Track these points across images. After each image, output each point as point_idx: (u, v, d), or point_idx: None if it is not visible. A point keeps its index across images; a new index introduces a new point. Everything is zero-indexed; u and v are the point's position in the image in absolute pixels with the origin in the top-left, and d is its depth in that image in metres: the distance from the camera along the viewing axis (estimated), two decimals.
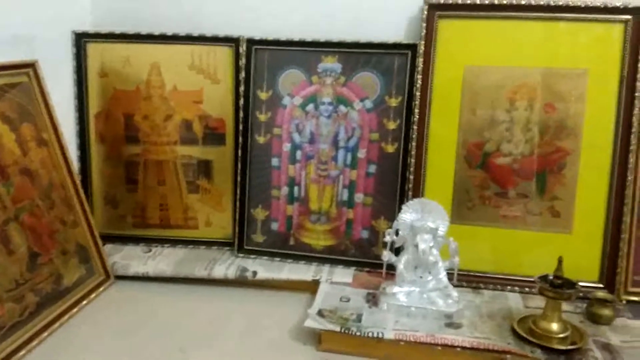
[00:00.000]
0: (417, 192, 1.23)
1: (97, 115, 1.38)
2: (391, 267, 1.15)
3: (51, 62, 1.21)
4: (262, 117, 1.32)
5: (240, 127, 1.31)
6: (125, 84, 1.36)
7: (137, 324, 1.11)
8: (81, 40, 1.35)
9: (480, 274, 1.21)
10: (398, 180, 1.26)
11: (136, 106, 1.36)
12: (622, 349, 0.98)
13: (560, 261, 0.99)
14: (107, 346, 1.04)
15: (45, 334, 1.05)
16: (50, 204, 1.14)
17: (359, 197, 1.30)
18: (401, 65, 1.24)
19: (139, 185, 1.39)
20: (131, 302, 1.20)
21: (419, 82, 1.21)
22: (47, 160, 1.16)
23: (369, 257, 1.28)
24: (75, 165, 1.34)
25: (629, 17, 1.13)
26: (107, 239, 1.37)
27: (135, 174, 1.39)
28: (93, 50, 1.36)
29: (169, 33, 1.33)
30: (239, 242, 1.34)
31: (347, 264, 1.29)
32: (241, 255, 1.33)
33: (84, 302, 1.17)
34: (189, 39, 1.32)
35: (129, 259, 1.32)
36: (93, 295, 1.20)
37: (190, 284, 1.26)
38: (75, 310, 1.13)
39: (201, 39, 1.32)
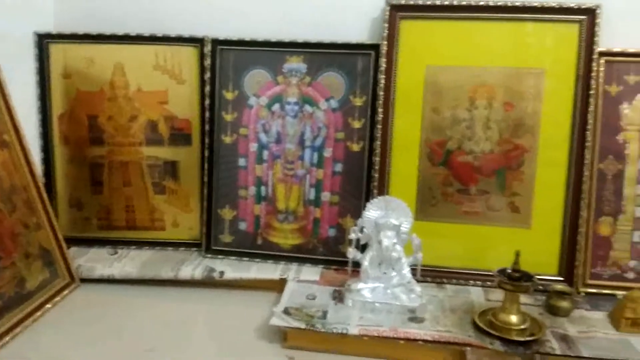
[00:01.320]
0: (382, 190, 1.25)
1: (60, 117, 1.36)
2: (357, 264, 1.17)
3: (13, 63, 1.19)
4: (228, 117, 1.32)
5: (207, 128, 1.31)
6: (89, 84, 1.35)
7: (102, 326, 1.11)
8: (43, 41, 1.34)
9: (444, 269, 1.24)
10: (364, 179, 1.28)
11: (100, 107, 1.35)
12: (579, 339, 1.01)
13: (517, 255, 1.02)
14: (72, 350, 1.03)
15: (8, 337, 1.03)
16: (12, 207, 1.13)
17: (325, 195, 1.31)
18: (365, 65, 1.26)
19: (104, 187, 1.38)
20: (96, 305, 1.19)
21: (382, 82, 1.23)
22: (8, 163, 1.15)
23: (336, 255, 1.29)
24: (38, 167, 1.33)
25: (583, 17, 1.17)
26: (73, 241, 1.36)
27: (100, 176, 1.38)
28: (55, 51, 1.34)
29: (133, 33, 1.32)
30: (207, 242, 1.34)
31: (314, 262, 1.30)
32: (209, 255, 1.33)
33: (48, 305, 1.15)
34: (153, 39, 1.32)
35: (94, 261, 1.30)
36: (58, 299, 1.19)
37: (157, 286, 1.25)
38: (39, 314, 1.12)
39: (165, 39, 1.32)
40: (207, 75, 1.29)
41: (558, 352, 0.96)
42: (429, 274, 1.22)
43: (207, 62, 1.29)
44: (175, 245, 1.38)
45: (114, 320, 1.13)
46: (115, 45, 1.33)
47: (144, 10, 1.36)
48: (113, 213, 1.39)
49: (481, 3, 1.18)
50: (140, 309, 1.18)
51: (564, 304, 1.10)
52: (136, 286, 1.25)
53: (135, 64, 1.33)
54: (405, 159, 1.25)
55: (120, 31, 1.32)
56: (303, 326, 1.02)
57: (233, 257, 1.32)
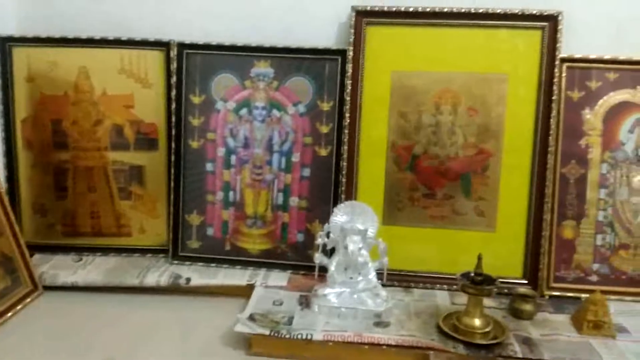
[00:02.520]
0: (350, 195, 1.26)
1: (23, 121, 1.34)
2: (324, 269, 1.16)
3: None
4: (195, 122, 1.30)
5: (173, 132, 1.30)
6: (52, 88, 1.32)
7: (65, 335, 1.08)
8: (6, 44, 1.31)
9: (411, 273, 1.24)
10: (331, 183, 1.28)
11: (64, 111, 1.33)
12: (541, 342, 1.02)
13: (479, 258, 1.03)
14: (34, 359, 1.01)
15: None
16: None
17: (293, 200, 1.30)
18: (332, 70, 1.26)
19: (68, 193, 1.35)
20: (60, 313, 1.16)
21: (349, 87, 1.23)
22: None
23: (305, 260, 1.29)
24: (0, 172, 1.30)
25: (545, 23, 1.19)
26: (37, 248, 1.33)
27: (65, 181, 1.35)
28: (18, 54, 1.32)
29: (97, 37, 1.30)
30: (174, 248, 1.32)
31: (283, 267, 1.30)
32: (176, 262, 1.31)
33: (10, 314, 1.13)
34: (117, 43, 1.30)
35: (58, 268, 1.28)
36: (19, 307, 1.16)
37: (123, 293, 1.24)
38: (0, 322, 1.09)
39: (130, 43, 1.30)
40: (174, 79, 1.28)
41: (520, 355, 0.97)
42: (396, 278, 1.23)
43: (174, 66, 1.28)
44: (142, 251, 1.36)
45: (76, 329, 1.10)
46: (79, 48, 1.31)
47: (108, 13, 1.34)
48: (78, 219, 1.36)
49: (445, 9, 1.20)
50: (104, 316, 1.15)
51: (527, 307, 1.11)
52: (101, 293, 1.23)
53: (100, 68, 1.31)
54: (373, 164, 1.26)
55: (84, 34, 1.30)
56: (267, 332, 1.02)
57: (201, 263, 1.31)
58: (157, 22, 1.32)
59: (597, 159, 1.21)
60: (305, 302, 1.14)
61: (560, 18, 1.17)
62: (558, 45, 1.18)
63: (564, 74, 1.20)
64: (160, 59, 1.30)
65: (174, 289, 1.24)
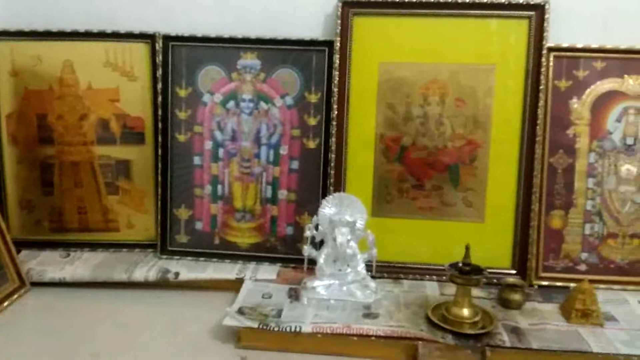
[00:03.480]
0: (339, 187, 1.25)
1: (8, 116, 1.32)
2: (313, 262, 1.16)
3: None
4: (182, 115, 1.29)
5: (160, 126, 1.29)
6: (37, 83, 1.31)
7: (52, 331, 1.08)
8: None
9: (401, 265, 1.24)
10: (320, 176, 1.27)
11: (49, 106, 1.31)
12: (529, 331, 1.02)
13: (467, 249, 1.03)
14: (21, 356, 1.00)
15: None
16: None
17: (282, 193, 1.30)
18: (319, 61, 1.25)
19: (55, 188, 1.34)
20: (47, 310, 1.15)
21: (337, 78, 1.23)
22: None
23: (294, 253, 1.28)
24: None
25: (531, 13, 1.18)
26: (24, 244, 1.33)
27: (51, 177, 1.34)
28: (2, 48, 1.30)
29: (82, 30, 1.29)
30: (162, 243, 1.31)
31: (272, 260, 1.29)
32: (164, 256, 1.31)
33: None
34: (102, 36, 1.29)
35: (46, 264, 1.27)
36: (6, 304, 1.15)
37: (112, 289, 1.23)
38: None
39: (115, 36, 1.29)
40: (159, 72, 1.27)
41: (508, 344, 0.97)
42: (385, 270, 1.23)
43: (159, 58, 1.27)
44: (130, 246, 1.35)
45: (64, 325, 1.10)
46: (63, 42, 1.29)
47: (92, 6, 1.32)
48: (65, 215, 1.35)
49: (432, 0, 1.19)
50: (92, 312, 1.15)
51: (516, 296, 1.11)
52: (89, 289, 1.22)
53: (85, 61, 1.30)
54: (361, 156, 1.25)
55: (68, 28, 1.29)
56: (256, 325, 1.01)
57: (189, 258, 1.30)
58: (142, 14, 1.31)
59: (585, 149, 1.22)
60: (294, 295, 1.14)
61: (547, 7, 1.17)
62: (545, 34, 1.17)
63: (551, 64, 1.20)
64: (145, 51, 1.29)
65: (163, 284, 1.23)
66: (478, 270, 1.02)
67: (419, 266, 1.24)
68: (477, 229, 1.23)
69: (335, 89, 1.23)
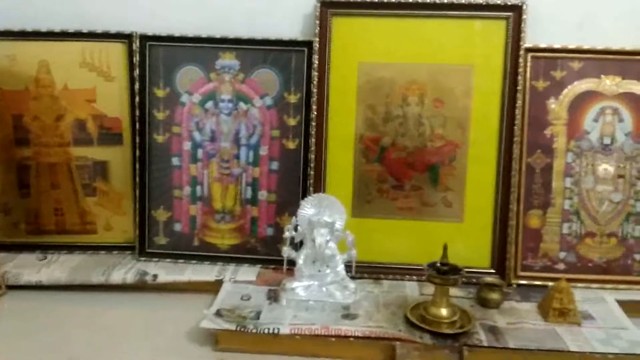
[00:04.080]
0: (319, 188, 1.25)
1: None
2: (293, 263, 1.15)
3: None
4: (160, 115, 1.28)
5: (137, 126, 1.27)
6: (12, 83, 1.29)
7: (29, 335, 1.06)
8: None
9: (381, 265, 1.24)
10: (300, 176, 1.27)
11: (25, 106, 1.29)
12: (507, 330, 1.03)
13: (445, 248, 1.03)
14: None
15: None
16: None
17: (262, 194, 1.29)
18: (298, 62, 1.25)
19: (31, 190, 1.32)
20: (24, 313, 1.13)
21: (316, 79, 1.22)
22: None
23: (275, 254, 1.26)
24: None
25: (509, 14, 1.19)
26: (0, 247, 1.30)
27: (27, 178, 1.32)
28: None
29: (57, 29, 1.27)
30: (141, 245, 1.30)
31: (252, 262, 1.28)
32: (143, 258, 1.29)
33: None
34: (78, 36, 1.27)
35: (22, 267, 1.24)
36: None
37: (89, 292, 1.21)
38: None
39: (92, 36, 1.27)
40: (137, 72, 1.26)
41: (485, 343, 0.98)
42: (366, 270, 1.22)
43: (136, 58, 1.25)
44: (109, 248, 1.33)
45: (41, 329, 1.08)
46: (39, 42, 1.27)
47: (68, 5, 1.31)
48: (42, 217, 1.33)
49: (411, 0, 1.19)
50: (69, 315, 1.13)
51: (494, 296, 1.11)
52: (66, 292, 1.20)
53: (61, 61, 1.28)
54: (341, 156, 1.25)
55: (43, 27, 1.27)
56: (234, 328, 1.00)
57: (168, 260, 1.29)
58: (118, 13, 1.29)
59: (563, 148, 1.22)
60: (273, 297, 1.13)
61: (524, 8, 1.17)
62: (522, 35, 1.18)
63: (529, 64, 1.20)
64: (122, 51, 1.27)
65: (141, 286, 1.21)
66: (456, 270, 1.03)
67: (399, 266, 1.23)
68: (457, 229, 1.23)
69: (315, 90, 1.22)
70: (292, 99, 1.26)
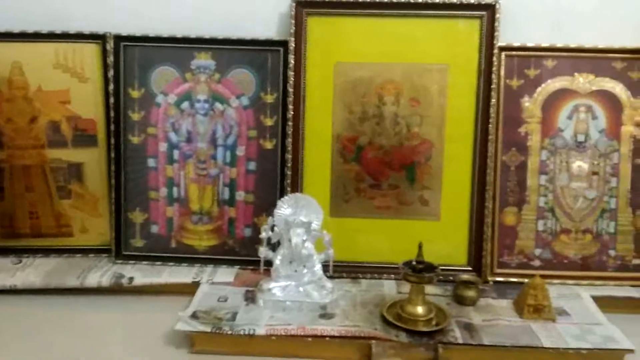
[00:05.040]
0: (296, 188, 1.24)
1: None
2: (270, 263, 1.15)
3: None
4: (135, 116, 1.27)
5: (112, 128, 1.26)
6: None
7: (3, 340, 1.04)
8: None
9: (359, 264, 1.24)
10: (278, 177, 1.26)
11: None
12: (482, 327, 1.03)
13: (420, 247, 1.03)
14: None
15: None
16: None
17: (240, 195, 1.28)
18: (274, 61, 1.24)
19: (5, 193, 1.30)
20: None
21: (292, 78, 1.22)
22: None
23: (253, 255, 1.24)
24: None
25: (483, 13, 1.19)
26: None
27: (1, 181, 1.30)
28: None
29: (30, 30, 1.25)
30: (117, 247, 1.28)
31: (231, 263, 1.28)
32: (119, 261, 1.28)
33: None
34: (52, 37, 1.25)
35: None
36: None
37: (64, 295, 1.19)
38: None
39: (65, 36, 1.25)
40: (111, 73, 1.24)
41: (460, 340, 0.98)
42: (345, 270, 1.23)
43: (110, 59, 1.24)
44: (85, 251, 1.32)
45: (15, 333, 1.06)
46: (11, 43, 1.26)
47: (41, 6, 1.29)
48: (16, 220, 1.31)
49: (385, 0, 1.19)
50: (44, 319, 1.12)
51: (470, 293, 1.12)
52: (41, 296, 1.19)
53: (34, 63, 1.26)
54: (318, 156, 1.25)
55: (16, 28, 1.25)
56: (209, 329, 1.00)
57: (145, 262, 1.28)
58: (92, 14, 1.28)
59: (537, 146, 1.23)
60: (251, 298, 1.13)
61: (497, 7, 1.18)
62: (496, 34, 1.18)
63: (502, 63, 1.21)
64: (96, 52, 1.26)
65: (117, 289, 1.20)
66: (431, 267, 1.03)
67: (377, 265, 1.24)
68: (434, 227, 1.24)
69: (291, 89, 1.22)
70: (269, 99, 1.26)
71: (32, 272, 1.23)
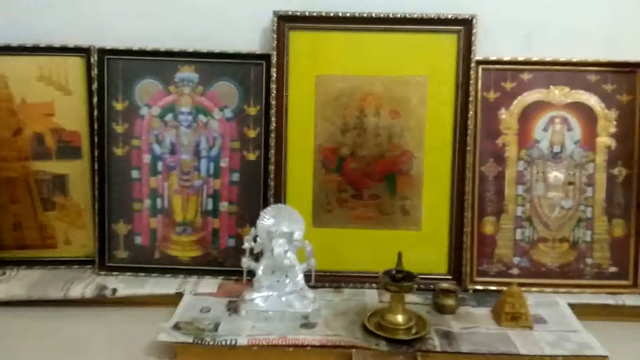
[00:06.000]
0: (279, 198, 1.26)
1: None
2: (253, 274, 1.16)
3: None
4: (119, 129, 1.28)
5: (96, 140, 1.27)
6: None
7: None
8: None
9: (341, 274, 1.26)
10: (261, 188, 1.28)
11: None
12: (461, 335, 1.05)
13: (399, 256, 1.05)
14: None
15: None
16: None
17: (223, 205, 1.30)
18: (257, 74, 1.26)
19: None
20: None
21: (274, 91, 1.24)
22: None
23: (236, 266, 1.24)
24: None
25: (460, 27, 1.23)
26: None
27: None
28: None
29: (15, 44, 1.26)
30: (100, 259, 1.29)
31: (214, 273, 1.29)
32: (103, 272, 1.28)
33: None
34: (36, 50, 1.27)
35: None
36: None
37: (48, 307, 1.20)
38: None
39: (50, 50, 1.27)
40: (95, 85, 1.26)
41: (438, 349, 1.00)
42: (327, 279, 1.24)
43: (94, 72, 1.26)
44: (69, 263, 1.32)
45: None
46: None
47: (25, 20, 1.30)
48: (0, 232, 1.31)
49: (365, 15, 1.22)
50: (27, 331, 1.12)
51: (450, 301, 1.14)
52: (25, 308, 1.19)
53: (19, 76, 1.28)
54: (301, 167, 1.27)
55: (0, 42, 1.26)
56: (191, 340, 1.01)
57: (129, 273, 1.28)
58: (76, 27, 1.29)
59: (514, 157, 1.26)
60: (233, 308, 1.14)
61: (474, 22, 1.22)
62: (473, 48, 1.22)
63: (480, 76, 1.24)
64: (80, 65, 1.28)
65: (101, 301, 1.21)
66: (410, 276, 1.05)
67: (359, 274, 1.26)
68: (415, 236, 1.26)
69: (274, 102, 1.24)
70: (252, 111, 1.28)
71: (16, 284, 1.23)
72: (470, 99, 1.23)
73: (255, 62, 1.26)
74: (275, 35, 1.22)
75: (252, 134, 1.28)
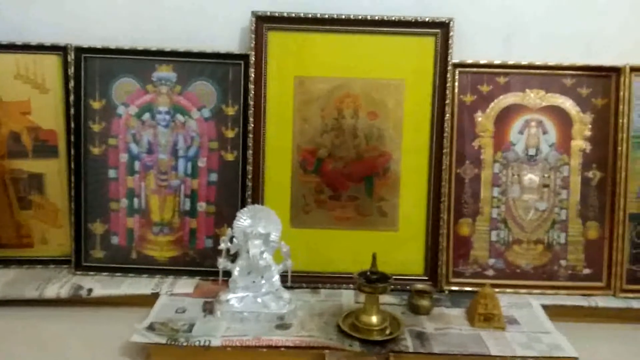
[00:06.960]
0: (257, 199, 1.26)
1: None
2: (229, 274, 1.16)
3: None
4: (96, 127, 1.27)
5: (73, 138, 1.26)
6: None
7: None
8: None
9: (319, 274, 1.26)
10: (239, 188, 1.28)
11: None
12: (434, 336, 1.06)
13: (374, 257, 1.06)
14: None
15: None
16: None
17: (201, 206, 1.30)
18: (236, 74, 1.26)
19: None
20: None
21: (253, 91, 1.24)
22: None
23: (214, 266, 1.24)
24: None
25: (437, 30, 1.23)
26: None
27: None
28: None
29: None
30: (77, 259, 1.28)
31: (191, 274, 1.29)
32: (79, 272, 1.28)
33: None
34: (12, 48, 1.26)
35: None
36: None
37: (23, 307, 1.19)
38: None
39: (26, 48, 1.26)
40: (72, 84, 1.25)
41: (411, 349, 1.01)
42: (304, 280, 1.25)
43: (71, 70, 1.25)
44: (45, 262, 1.32)
45: None
46: None
47: (1, 17, 1.28)
48: None
49: (344, 16, 1.22)
50: (2, 331, 1.11)
51: (424, 302, 1.15)
52: (0, 308, 1.18)
53: None
54: (279, 168, 1.27)
55: None
56: (164, 341, 1.01)
57: (105, 273, 1.28)
58: (53, 25, 1.28)
59: (490, 159, 1.28)
60: (209, 309, 1.14)
61: (452, 25, 1.22)
62: (450, 51, 1.23)
63: (456, 79, 1.25)
64: (57, 63, 1.27)
65: (76, 301, 1.20)
66: (385, 278, 1.06)
67: (336, 275, 1.26)
68: (392, 237, 1.27)
69: (252, 102, 1.24)
70: (230, 111, 1.28)
71: None
72: (447, 101, 1.24)
73: (233, 62, 1.26)
74: (253, 36, 1.22)
75: (230, 134, 1.28)
